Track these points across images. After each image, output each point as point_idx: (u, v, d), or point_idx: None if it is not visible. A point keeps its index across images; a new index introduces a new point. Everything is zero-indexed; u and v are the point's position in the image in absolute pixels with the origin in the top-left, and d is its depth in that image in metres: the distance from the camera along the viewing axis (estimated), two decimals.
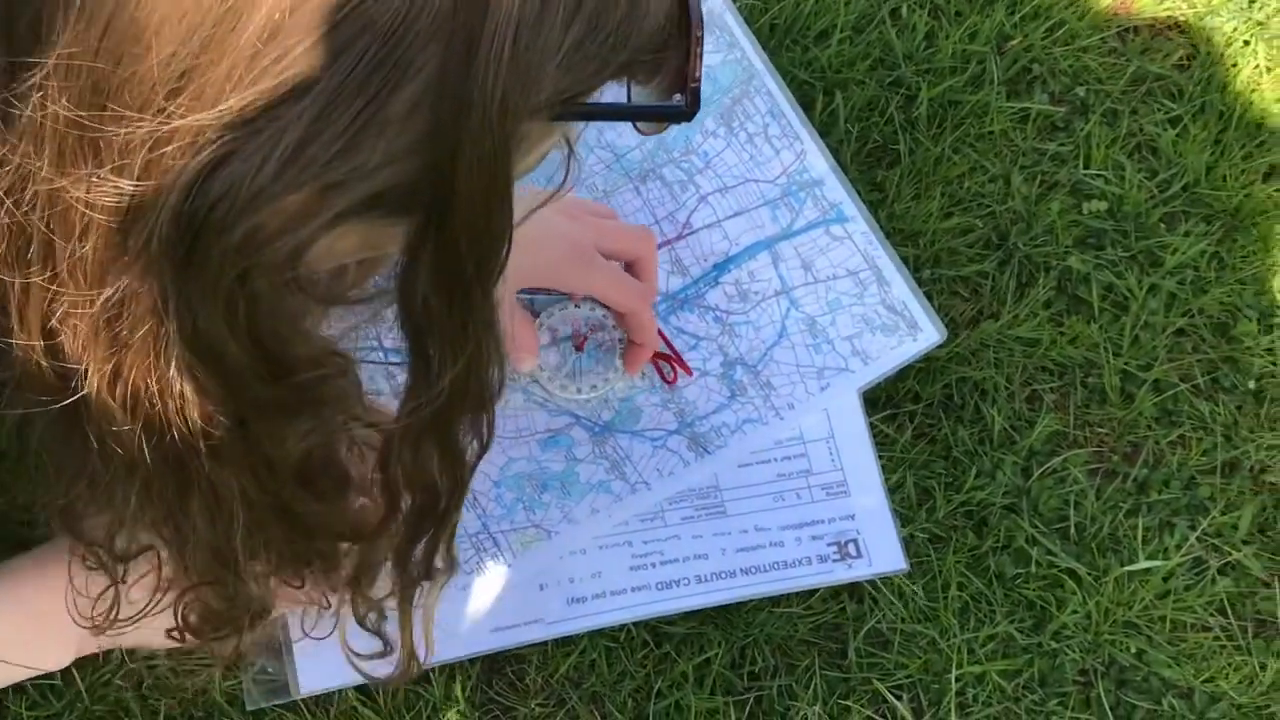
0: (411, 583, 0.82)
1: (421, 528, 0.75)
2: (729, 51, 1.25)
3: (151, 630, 0.88)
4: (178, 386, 0.59)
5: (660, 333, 1.18)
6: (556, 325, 1.18)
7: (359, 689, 1.08)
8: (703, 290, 1.22)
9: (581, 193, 1.24)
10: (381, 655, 0.92)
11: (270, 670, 1.08)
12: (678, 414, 1.18)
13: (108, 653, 1.07)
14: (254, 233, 0.54)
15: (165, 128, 0.51)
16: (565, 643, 1.10)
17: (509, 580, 1.12)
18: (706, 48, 1.24)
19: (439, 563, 0.81)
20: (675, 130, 1.24)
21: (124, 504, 0.71)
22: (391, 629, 0.90)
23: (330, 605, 0.91)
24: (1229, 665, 1.13)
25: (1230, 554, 1.16)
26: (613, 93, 0.62)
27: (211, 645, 0.90)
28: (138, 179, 0.53)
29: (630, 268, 1.17)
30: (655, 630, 1.11)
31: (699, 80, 0.61)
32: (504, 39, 0.52)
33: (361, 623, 0.88)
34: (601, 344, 1.17)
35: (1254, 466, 1.20)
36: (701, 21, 0.61)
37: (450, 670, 1.09)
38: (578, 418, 1.17)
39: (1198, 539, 1.16)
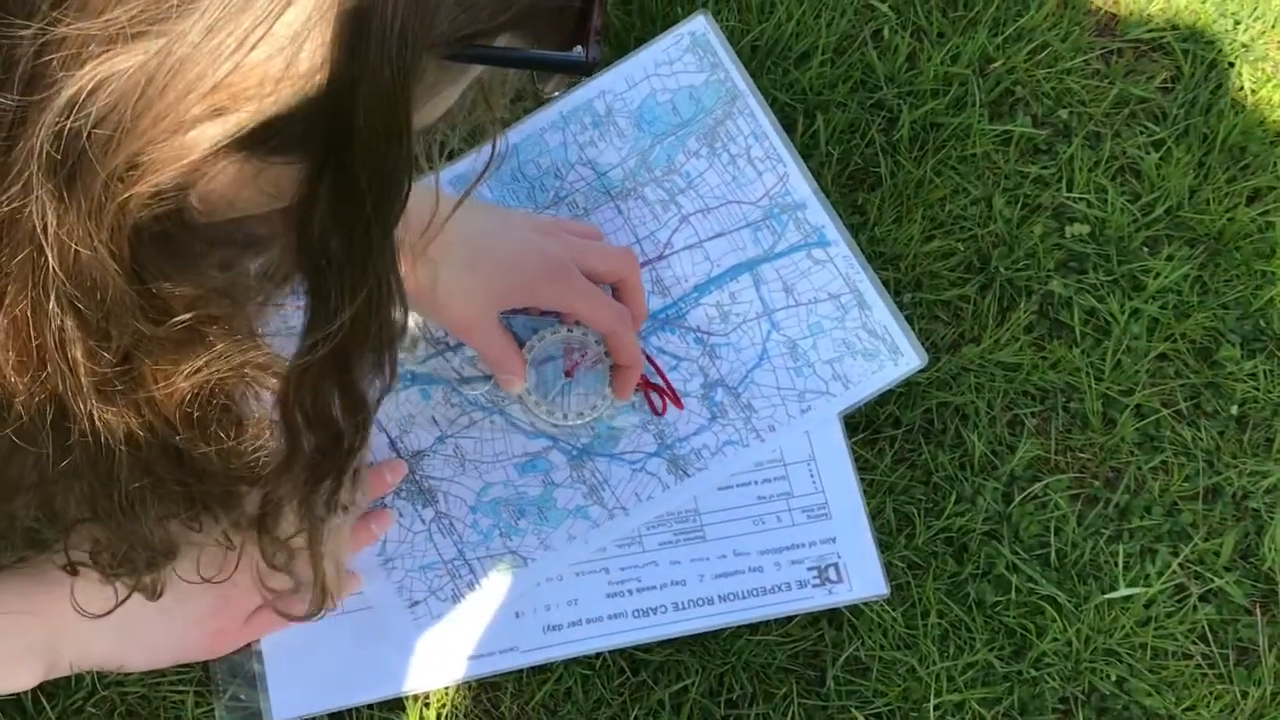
0: (318, 522, 0.80)
1: (324, 468, 0.73)
2: (713, 72, 1.25)
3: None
4: (58, 320, 0.58)
5: (654, 364, 1.18)
6: (545, 349, 1.17)
7: (333, 716, 1.07)
8: (684, 311, 1.21)
9: (562, 210, 1.23)
10: (294, 592, 0.92)
11: (243, 698, 1.07)
12: (657, 436, 1.17)
13: (79, 679, 1.07)
14: (138, 157, 0.52)
15: (49, 36, 0.50)
16: (541, 670, 1.09)
17: (484, 608, 1.12)
18: (689, 67, 1.24)
19: (344, 499, 0.79)
20: (657, 148, 1.24)
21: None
22: (303, 568, 0.89)
23: (233, 544, 0.89)
24: (1210, 694, 1.12)
25: (1212, 581, 1.15)
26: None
27: (113, 582, 0.88)
28: (21, 92, 0.51)
29: (616, 291, 1.16)
30: (632, 658, 1.10)
31: (601, 31, 0.59)
32: None
33: (270, 563, 0.87)
34: (591, 370, 1.17)
35: (1236, 493, 1.19)
36: None
37: (425, 698, 1.08)
38: (555, 441, 1.16)
39: (1179, 566, 1.15)
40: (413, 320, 1.18)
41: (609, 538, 1.14)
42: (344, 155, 0.54)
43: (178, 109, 0.51)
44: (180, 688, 1.07)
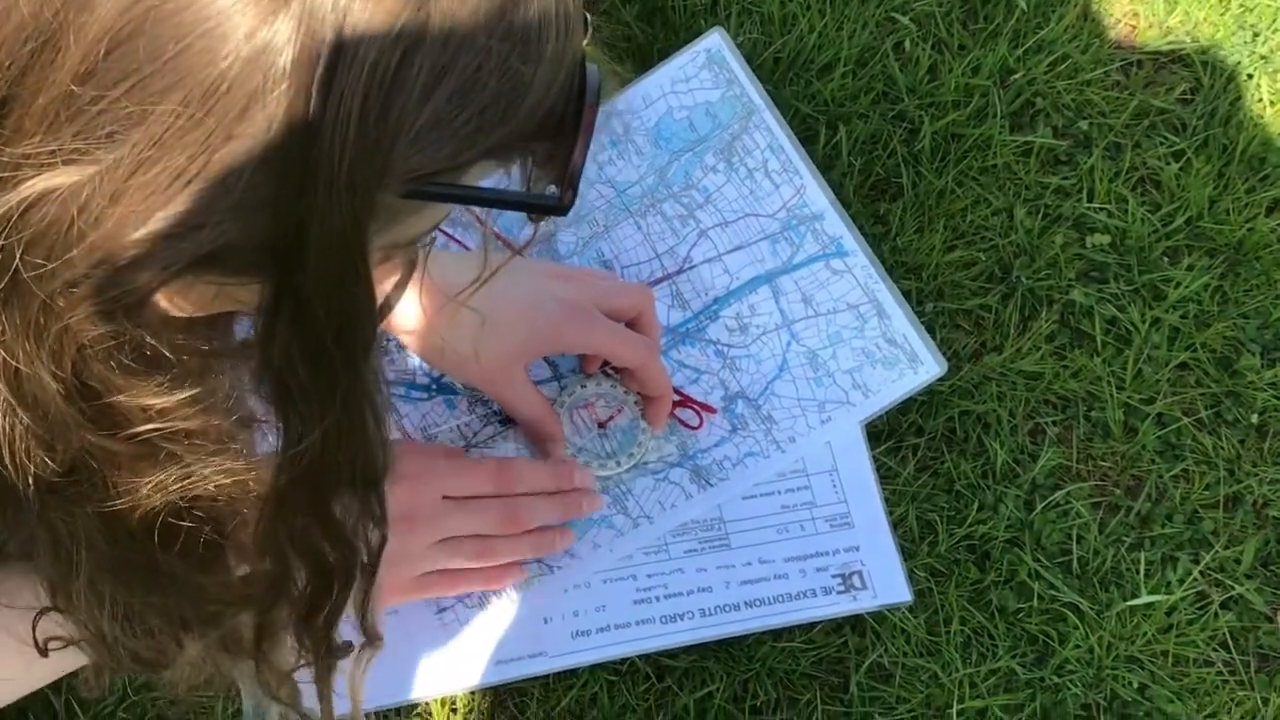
0: (323, 657, 0.76)
1: (318, 601, 0.70)
2: (728, 88, 1.26)
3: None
4: (10, 418, 0.56)
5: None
6: (574, 408, 1.18)
7: None
8: (703, 324, 1.22)
9: (581, 227, 1.24)
10: None
11: (264, 707, 1.08)
12: (680, 447, 1.18)
13: (110, 686, 1.08)
14: (77, 282, 0.51)
15: None
16: (567, 676, 1.10)
17: (513, 614, 1.12)
18: (705, 84, 1.25)
19: (352, 639, 0.76)
20: (675, 165, 1.25)
21: None
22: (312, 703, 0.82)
23: (223, 671, 0.82)
24: (1231, 700, 1.13)
25: (1233, 588, 1.16)
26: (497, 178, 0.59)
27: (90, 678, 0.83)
28: None
29: (633, 325, 1.17)
30: (657, 664, 1.11)
31: (579, 170, 0.58)
32: (349, 110, 0.49)
33: (275, 697, 0.81)
34: (623, 418, 1.18)
35: (1257, 501, 1.19)
36: (597, 103, 0.57)
37: (452, 703, 1.09)
38: (578, 452, 1.17)
39: (1200, 573, 1.16)
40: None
41: (634, 546, 1.15)
42: (299, 287, 0.52)
43: (115, 238, 0.50)
44: (209, 693, 1.08)
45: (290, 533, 0.64)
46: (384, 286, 1.06)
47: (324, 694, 0.79)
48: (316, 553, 0.66)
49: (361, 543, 0.67)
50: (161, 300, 0.54)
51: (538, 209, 0.60)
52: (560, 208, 0.58)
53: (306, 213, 0.50)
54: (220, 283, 0.54)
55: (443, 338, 1.09)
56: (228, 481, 0.61)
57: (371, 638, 0.76)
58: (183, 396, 0.58)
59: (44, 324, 0.53)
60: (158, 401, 0.57)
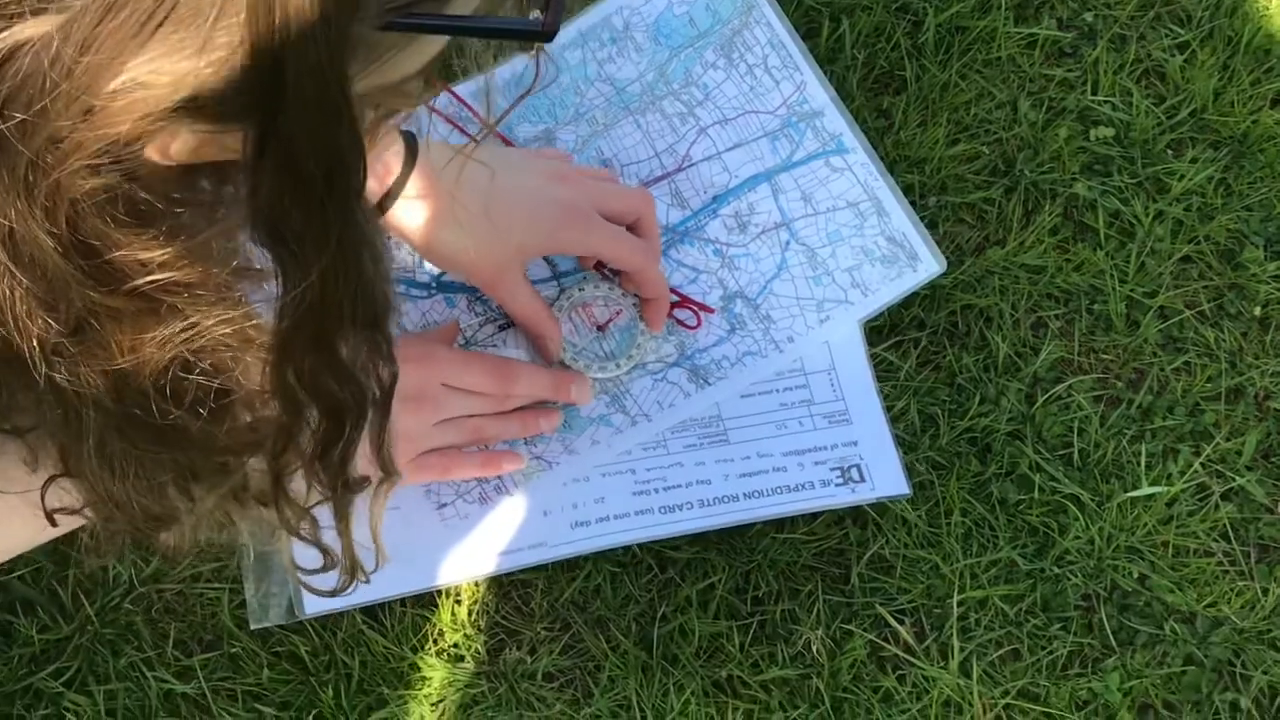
0: (340, 493, 0.76)
1: (331, 440, 0.70)
2: None
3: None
4: (7, 280, 0.56)
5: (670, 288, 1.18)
6: (572, 309, 1.18)
7: (365, 611, 1.09)
8: (702, 223, 1.21)
9: (580, 126, 1.23)
10: (323, 569, 0.85)
11: (275, 592, 1.08)
12: (678, 346, 1.18)
13: (116, 576, 1.09)
14: (60, 137, 0.50)
15: None
16: (570, 567, 1.11)
17: (512, 508, 1.13)
18: None
19: (369, 470, 0.76)
20: (675, 61, 1.24)
21: None
22: (332, 539, 0.83)
23: (232, 521, 0.82)
24: (1231, 590, 1.13)
25: (1233, 480, 1.16)
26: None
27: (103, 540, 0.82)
28: None
29: (633, 229, 1.16)
30: (659, 555, 1.12)
31: None
32: None
33: (295, 533, 0.81)
34: (622, 319, 1.17)
35: (1258, 393, 1.20)
36: None
37: (456, 594, 1.10)
38: (577, 354, 1.17)
39: (1201, 465, 1.16)
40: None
41: (632, 442, 1.16)
42: (282, 130, 0.51)
43: (90, 89, 0.49)
44: (216, 585, 1.09)
45: (298, 375, 0.63)
46: (385, 159, 1.06)
47: (344, 529, 0.80)
48: (327, 393, 0.65)
49: (372, 380, 0.67)
50: (149, 151, 0.53)
51: (520, 35, 0.58)
52: (544, 33, 0.55)
53: (281, 50, 0.48)
54: (204, 130, 0.53)
55: (441, 236, 1.09)
56: (230, 331, 0.61)
57: (388, 470, 0.76)
58: (179, 248, 0.57)
59: (33, 181, 0.52)
60: (155, 254, 0.56)
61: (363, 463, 0.73)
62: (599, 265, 1.18)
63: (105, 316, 0.59)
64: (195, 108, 0.51)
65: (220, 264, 0.60)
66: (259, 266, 0.62)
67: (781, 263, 1.21)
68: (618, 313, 1.17)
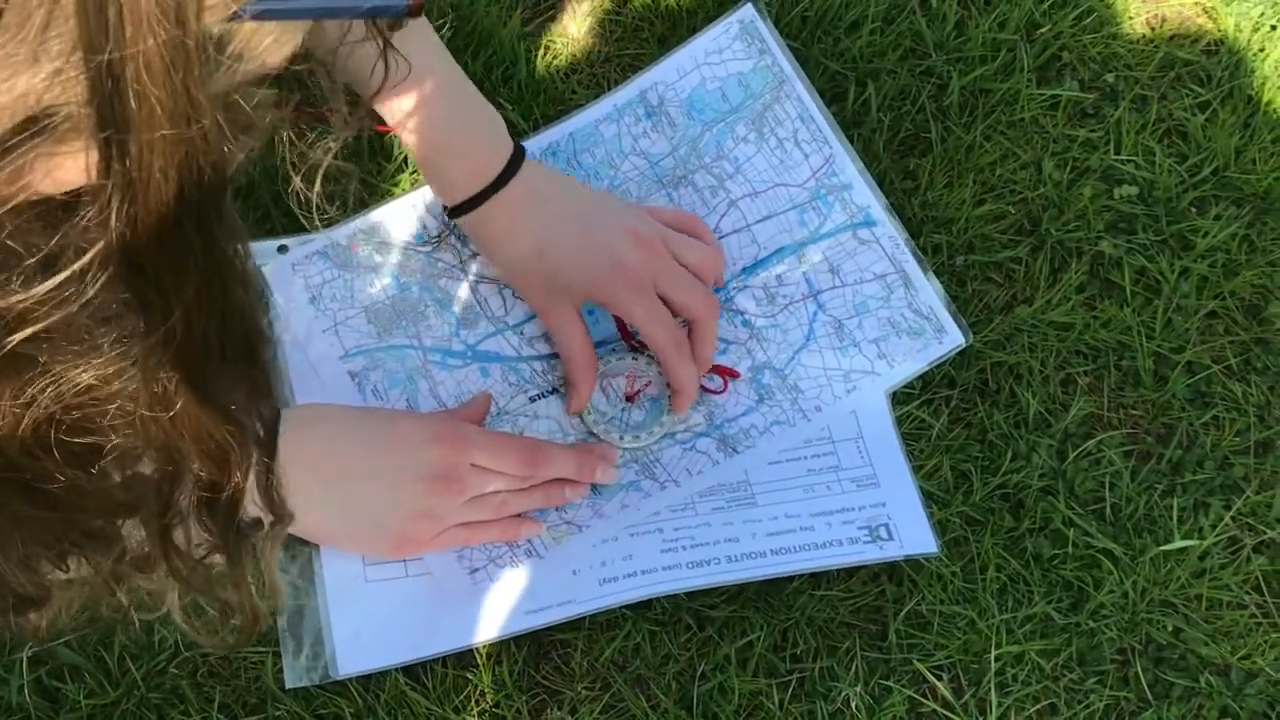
0: (232, 540, 0.70)
1: (216, 486, 0.64)
2: (760, 58, 1.27)
3: None
4: None
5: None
6: (603, 380, 1.19)
7: (406, 671, 1.10)
8: (731, 294, 1.23)
9: None
10: (223, 621, 0.79)
11: (311, 656, 1.10)
12: (707, 416, 1.20)
13: (161, 640, 1.10)
14: None
15: None
16: (610, 627, 1.12)
17: (542, 568, 1.14)
18: (738, 55, 1.27)
19: (259, 514, 0.71)
20: (707, 135, 1.26)
21: None
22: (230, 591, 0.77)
23: (115, 591, 0.76)
24: (1265, 642, 1.14)
25: (1265, 533, 1.17)
26: None
27: None
28: None
29: (690, 326, 1.17)
30: (698, 614, 1.13)
31: None
32: None
33: (191, 587, 0.74)
34: (652, 390, 1.19)
35: None
36: None
37: (496, 654, 1.11)
38: (607, 423, 1.19)
39: (1232, 518, 1.17)
40: (471, 295, 1.20)
41: (661, 505, 1.17)
42: (127, 142, 0.47)
43: None
44: (260, 648, 1.10)
45: (171, 422, 0.58)
46: (481, 162, 1.06)
47: (239, 578, 0.74)
48: (204, 437, 0.60)
49: (253, 419, 0.62)
50: None
51: (382, 12, 0.52)
52: (411, 8, 0.51)
53: (117, 51, 0.44)
54: (49, 152, 0.48)
55: (504, 250, 1.13)
56: (96, 381, 0.56)
57: (279, 514, 0.71)
58: (39, 292, 0.51)
59: None
60: (14, 300, 0.51)
61: (253, 507, 0.68)
62: (630, 335, 1.20)
63: None
64: (35, 131, 0.47)
65: (80, 308, 0.53)
66: (116, 307, 0.55)
67: (809, 334, 1.22)
68: (646, 384, 1.18)
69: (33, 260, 0.51)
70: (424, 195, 1.23)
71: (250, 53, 0.51)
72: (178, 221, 0.50)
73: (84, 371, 0.55)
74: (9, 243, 0.51)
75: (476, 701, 1.10)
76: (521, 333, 1.20)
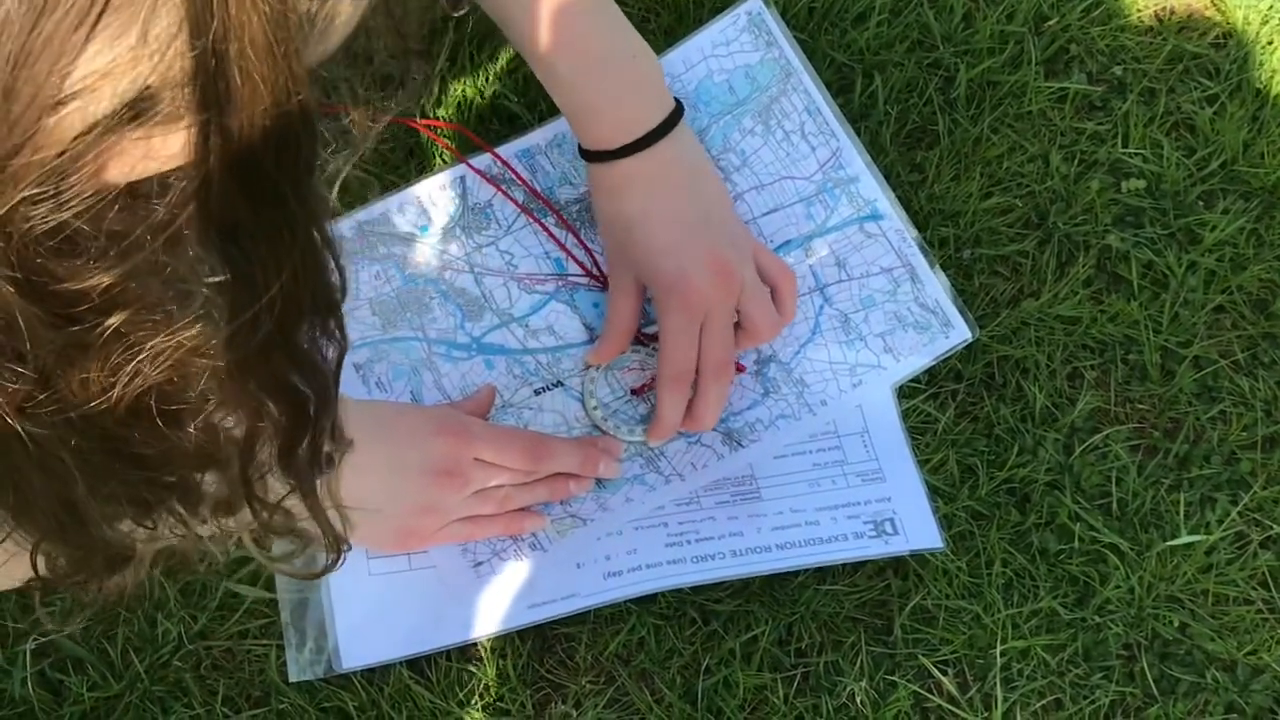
0: (309, 478, 0.73)
1: (296, 434, 0.67)
2: (767, 50, 1.26)
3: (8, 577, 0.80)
4: None
5: None
6: (609, 373, 1.19)
7: (410, 665, 1.10)
8: None
9: None
10: (300, 553, 0.83)
11: (315, 650, 1.09)
12: None
13: (164, 633, 1.09)
14: (1, 165, 0.47)
15: None
16: (614, 620, 1.12)
17: (546, 562, 1.14)
18: (745, 47, 1.26)
19: (329, 450, 0.72)
20: (714, 128, 1.25)
21: None
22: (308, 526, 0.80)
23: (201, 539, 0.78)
24: (1271, 638, 1.14)
25: (1272, 528, 1.17)
26: None
27: (74, 591, 0.79)
28: None
29: (738, 332, 1.16)
30: (702, 608, 1.13)
31: None
32: None
33: (269, 528, 0.77)
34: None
35: None
36: None
37: (501, 648, 1.11)
38: (611, 414, 1.18)
39: (1239, 513, 1.17)
40: (476, 287, 1.20)
41: (666, 498, 1.17)
42: (227, 117, 0.48)
43: (33, 105, 0.45)
44: (264, 641, 1.10)
45: (258, 377, 0.61)
46: (633, 109, 1.12)
47: (315, 507, 0.77)
48: (288, 388, 0.63)
49: (329, 365, 0.65)
50: (89, 170, 0.49)
51: None
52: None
53: (223, 32, 0.45)
54: (146, 135, 0.49)
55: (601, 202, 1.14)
56: (188, 349, 0.58)
57: (340, 440, 0.73)
58: (126, 270, 0.53)
59: None
60: (104, 280, 0.53)
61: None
62: (640, 331, 1.19)
63: (69, 359, 0.56)
64: (136, 113, 0.47)
65: (170, 283, 0.56)
66: (206, 279, 0.57)
67: (815, 327, 1.22)
68: (652, 378, 1.18)
69: (120, 240, 0.53)
70: (429, 186, 1.23)
71: (335, 21, 0.52)
72: (280, 195, 0.52)
73: (177, 341, 0.57)
74: (96, 226, 0.51)
75: (480, 695, 1.10)
76: (526, 325, 1.20)
